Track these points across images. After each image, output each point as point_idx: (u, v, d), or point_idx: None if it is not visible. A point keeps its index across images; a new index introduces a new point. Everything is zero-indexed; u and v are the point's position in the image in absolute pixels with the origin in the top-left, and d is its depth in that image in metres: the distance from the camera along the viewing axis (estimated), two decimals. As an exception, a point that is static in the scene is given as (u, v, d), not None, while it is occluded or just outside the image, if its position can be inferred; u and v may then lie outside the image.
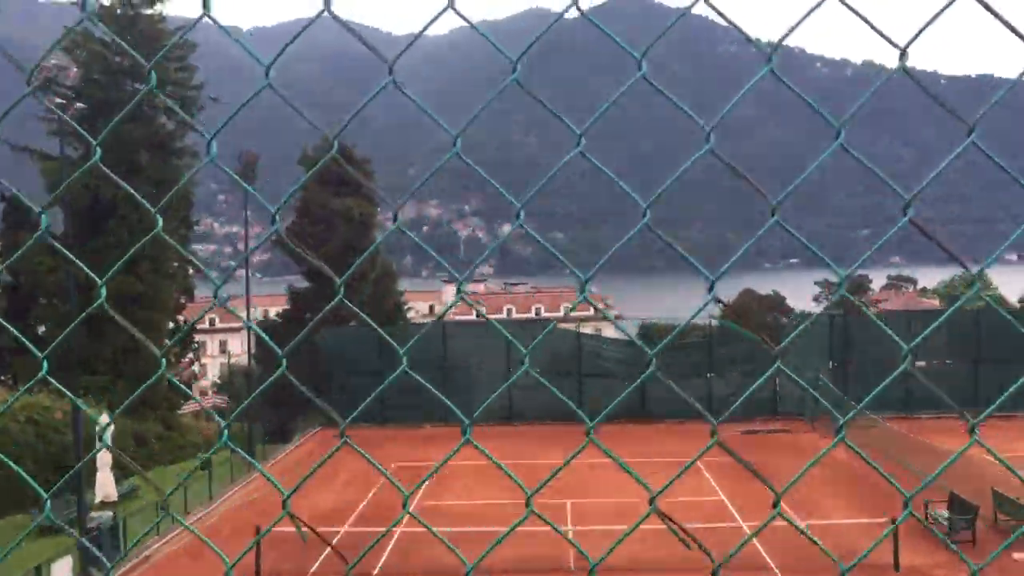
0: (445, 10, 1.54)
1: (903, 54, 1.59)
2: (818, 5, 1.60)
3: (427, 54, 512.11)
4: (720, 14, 1.62)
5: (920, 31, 1.62)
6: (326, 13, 1.51)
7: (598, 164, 1.66)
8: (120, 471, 23.86)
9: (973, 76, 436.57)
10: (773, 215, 1.60)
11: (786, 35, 1.68)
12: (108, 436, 21.06)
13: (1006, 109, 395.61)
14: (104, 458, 21.06)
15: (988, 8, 1.51)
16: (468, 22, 1.61)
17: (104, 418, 21.40)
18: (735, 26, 1.67)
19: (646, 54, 1.60)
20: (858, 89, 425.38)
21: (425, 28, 1.58)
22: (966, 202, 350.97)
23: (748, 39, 1.63)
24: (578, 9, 1.58)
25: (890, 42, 1.61)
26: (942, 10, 1.56)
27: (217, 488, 24.78)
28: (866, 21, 1.62)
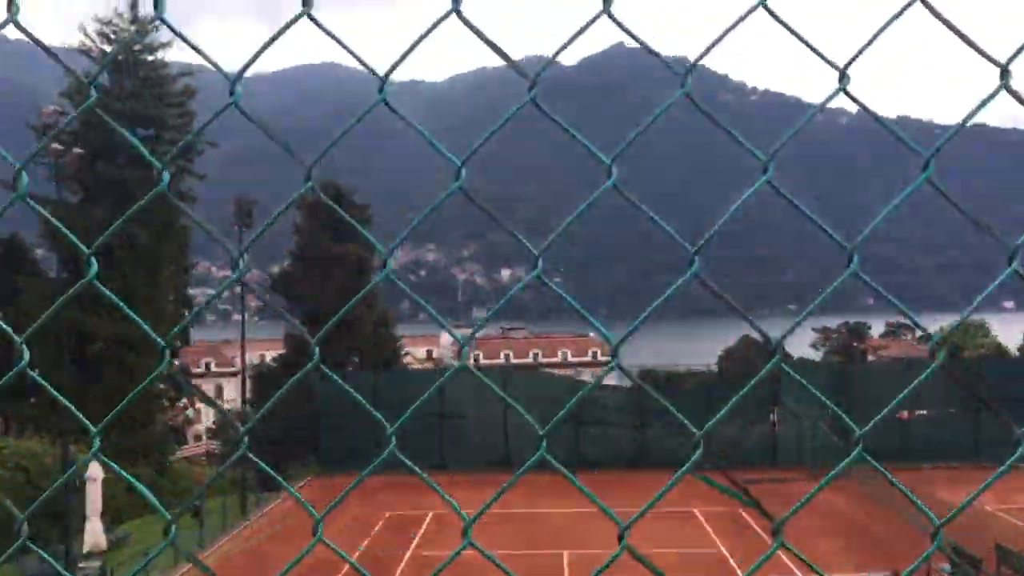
0: (376, 105, 1.49)
1: (928, 164, 1.54)
2: (829, 99, 1.55)
3: (427, 100, 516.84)
4: (723, 127, 1.55)
5: (946, 140, 1.58)
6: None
7: (559, 291, 1.61)
8: (110, 520, 23.53)
9: (968, 125, 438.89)
10: (774, 355, 1.54)
11: (779, 148, 1.62)
12: (96, 486, 20.73)
13: (1004, 152, 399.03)
14: (94, 506, 20.75)
15: (1013, 95, 1.46)
16: (404, 118, 1.54)
17: (95, 466, 21.10)
18: (737, 138, 1.61)
19: (616, 158, 1.54)
20: (856, 139, 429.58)
21: (352, 126, 1.52)
22: (966, 248, 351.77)
23: (751, 150, 1.58)
24: (537, 107, 1.53)
25: (917, 151, 1.56)
26: (972, 113, 1.51)
27: (209, 536, 24.39)
28: (883, 123, 1.57)
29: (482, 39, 1.44)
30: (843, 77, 1.53)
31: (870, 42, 1.51)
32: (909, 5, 1.46)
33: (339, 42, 1.49)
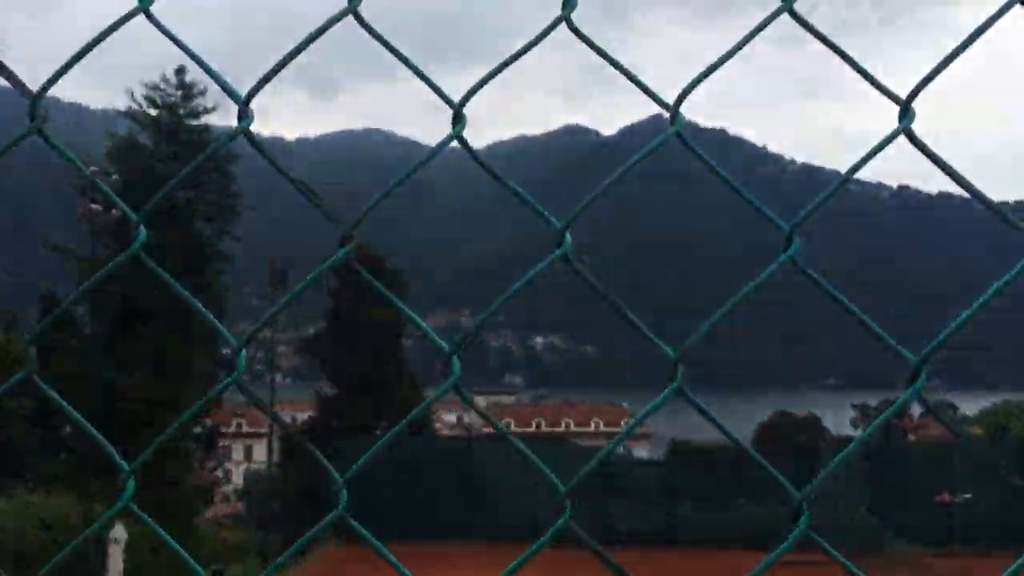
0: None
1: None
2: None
3: (460, 168, 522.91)
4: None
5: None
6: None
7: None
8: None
9: (1012, 201, 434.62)
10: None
11: (802, 219, 1.52)
12: (118, 548, 20.53)
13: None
14: (115, 570, 20.57)
15: (912, 139, 1.33)
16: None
17: (118, 528, 20.90)
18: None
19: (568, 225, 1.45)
20: (896, 215, 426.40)
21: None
22: (1012, 328, 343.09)
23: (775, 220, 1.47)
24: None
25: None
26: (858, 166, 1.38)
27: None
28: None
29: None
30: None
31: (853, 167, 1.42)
32: (888, 146, 1.35)
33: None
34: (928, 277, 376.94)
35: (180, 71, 35.55)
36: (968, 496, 30.44)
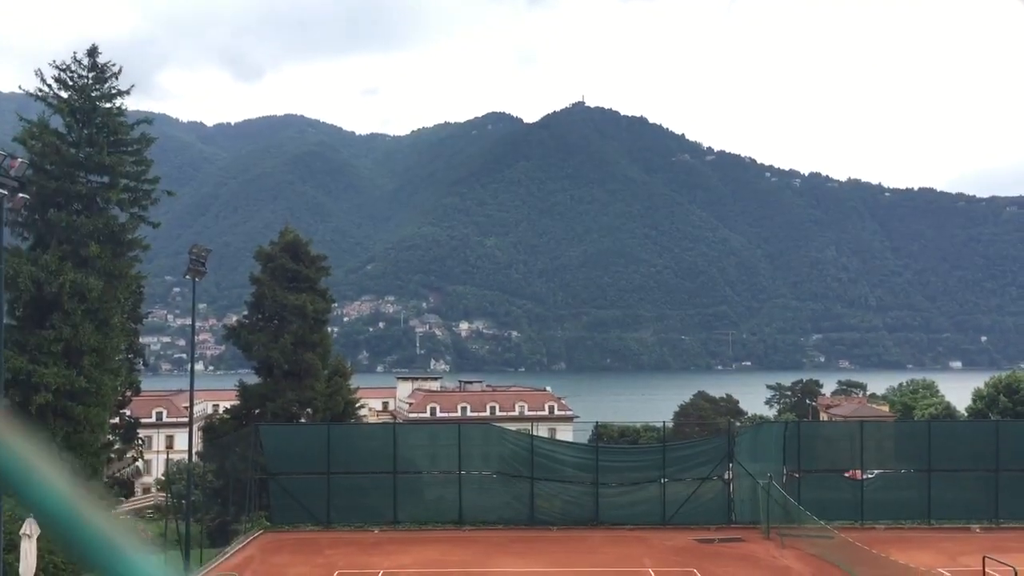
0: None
1: None
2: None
3: (388, 152, 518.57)
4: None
5: None
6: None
7: None
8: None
9: (916, 189, 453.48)
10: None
11: None
12: (31, 543, 20.02)
13: (951, 218, 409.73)
14: (28, 564, 20.04)
15: None
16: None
17: (31, 523, 20.35)
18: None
19: None
20: (805, 198, 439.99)
21: None
22: (914, 310, 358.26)
23: None
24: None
25: None
26: None
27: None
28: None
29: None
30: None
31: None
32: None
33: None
34: (837, 258, 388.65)
35: (92, 52, 34.35)
36: (876, 471, 31.76)
